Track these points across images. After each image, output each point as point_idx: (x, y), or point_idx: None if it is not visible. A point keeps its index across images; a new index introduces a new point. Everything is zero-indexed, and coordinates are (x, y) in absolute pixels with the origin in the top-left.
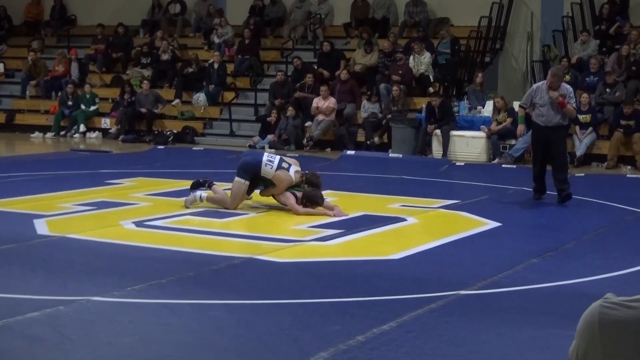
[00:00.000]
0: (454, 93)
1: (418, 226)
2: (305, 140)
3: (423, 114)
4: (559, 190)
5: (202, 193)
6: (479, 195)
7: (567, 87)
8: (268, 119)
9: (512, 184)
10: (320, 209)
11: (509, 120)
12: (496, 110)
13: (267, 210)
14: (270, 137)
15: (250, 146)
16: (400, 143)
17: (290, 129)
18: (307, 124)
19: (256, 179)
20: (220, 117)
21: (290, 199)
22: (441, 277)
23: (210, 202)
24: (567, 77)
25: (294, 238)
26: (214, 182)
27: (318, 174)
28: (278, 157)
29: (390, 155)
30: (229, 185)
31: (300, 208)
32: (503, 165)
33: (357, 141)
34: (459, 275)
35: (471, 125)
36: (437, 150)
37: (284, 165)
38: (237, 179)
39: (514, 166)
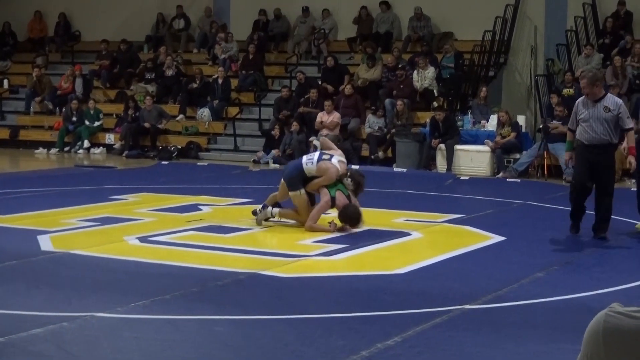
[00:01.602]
0: (458, 107)
1: (423, 241)
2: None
3: (427, 128)
4: (599, 224)
5: (274, 209)
6: (484, 210)
7: (615, 100)
8: (272, 132)
9: (517, 198)
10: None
11: (513, 134)
12: (500, 124)
13: (271, 226)
14: (274, 152)
15: (254, 161)
16: (404, 157)
17: (295, 144)
18: (311, 138)
19: (306, 183)
20: (224, 132)
21: (323, 198)
22: (446, 292)
23: (284, 217)
24: (571, 91)
25: (298, 253)
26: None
27: (363, 174)
28: (317, 152)
29: (394, 169)
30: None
31: (311, 221)
32: (507, 180)
33: (362, 155)
34: (463, 290)
35: (475, 139)
36: (441, 164)
37: (325, 157)
38: (292, 193)
39: (519, 180)
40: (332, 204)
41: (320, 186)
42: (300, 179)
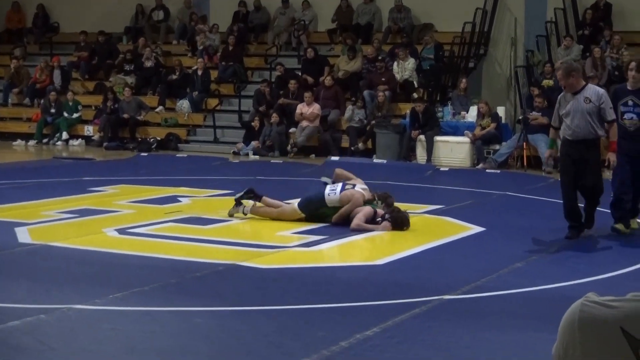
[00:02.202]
0: (438, 98)
1: (402, 232)
2: (289, 146)
3: (407, 119)
4: (586, 222)
5: (247, 208)
6: (463, 200)
7: (596, 91)
8: (252, 124)
9: (496, 188)
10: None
11: (492, 125)
12: (480, 115)
13: (250, 217)
14: (254, 143)
15: (234, 153)
16: (384, 149)
17: (274, 136)
18: (291, 130)
19: (318, 214)
20: (204, 124)
21: (365, 211)
22: (425, 282)
23: (256, 214)
24: (551, 82)
25: (278, 244)
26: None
27: (390, 193)
28: (340, 183)
29: (374, 160)
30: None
31: (360, 222)
32: (487, 170)
33: (342, 147)
34: (442, 280)
35: (455, 130)
36: (421, 155)
37: (348, 187)
38: (295, 206)
39: (498, 171)
40: (374, 215)
41: (350, 210)
42: (314, 209)
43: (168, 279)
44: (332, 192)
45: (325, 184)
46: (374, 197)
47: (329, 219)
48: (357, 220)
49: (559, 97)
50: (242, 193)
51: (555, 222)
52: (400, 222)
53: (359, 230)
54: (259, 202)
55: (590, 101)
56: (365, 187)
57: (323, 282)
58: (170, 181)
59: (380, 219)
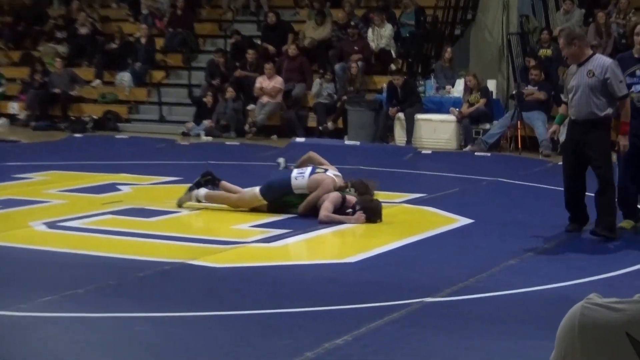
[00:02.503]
0: (420, 71)
1: (378, 224)
2: (247, 126)
3: (384, 94)
4: (597, 218)
5: (201, 191)
6: (448, 188)
7: (602, 62)
8: (204, 100)
9: (487, 174)
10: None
11: (482, 101)
12: (468, 90)
13: (202, 208)
14: (206, 122)
15: (183, 133)
16: (357, 128)
17: (230, 113)
18: (250, 107)
19: (282, 202)
20: (148, 100)
21: (331, 197)
22: (404, 283)
23: (212, 201)
24: (549, 52)
25: (233, 239)
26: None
27: (368, 180)
28: (310, 167)
29: (346, 142)
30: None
31: (327, 212)
32: (476, 153)
33: (308, 127)
34: (424, 280)
35: (439, 107)
36: (400, 136)
37: (319, 170)
38: (256, 192)
39: (489, 154)
40: (343, 202)
41: (317, 197)
42: (278, 194)
43: (105, 280)
44: (300, 175)
45: (287, 167)
46: (347, 185)
47: (295, 209)
48: (324, 210)
49: (569, 68)
50: (198, 178)
51: (554, 213)
52: (373, 213)
53: (328, 222)
54: (217, 187)
55: (593, 74)
56: (339, 174)
57: (286, 283)
58: (108, 167)
59: (351, 210)
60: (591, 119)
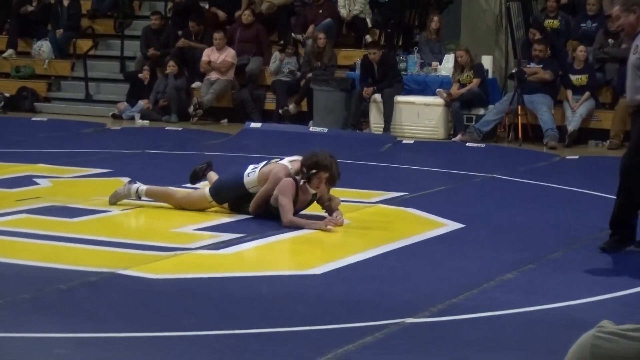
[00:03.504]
0: (400, 43)
1: (348, 228)
2: (192, 107)
3: (357, 72)
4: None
5: (141, 186)
6: (434, 185)
7: None
8: (139, 76)
9: (480, 169)
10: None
11: (475, 81)
12: (458, 67)
13: (136, 207)
14: (142, 103)
15: (113, 115)
16: (324, 112)
17: (171, 92)
18: (195, 85)
19: (241, 207)
20: (71, 75)
21: (281, 187)
22: (381, 300)
23: (152, 197)
24: (556, 23)
25: (174, 245)
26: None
27: (329, 155)
28: (267, 160)
29: (311, 129)
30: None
31: (288, 214)
32: (467, 144)
33: (265, 109)
34: (404, 297)
35: (424, 88)
36: (376, 122)
37: (273, 160)
38: (205, 193)
39: (482, 145)
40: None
41: (266, 192)
42: (231, 195)
43: (19, 293)
44: (253, 171)
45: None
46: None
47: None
48: (284, 211)
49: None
50: (197, 167)
51: (560, 217)
52: (321, 167)
53: (295, 227)
54: (204, 178)
55: (637, 50)
56: (297, 157)
57: (238, 299)
58: (23, 155)
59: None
60: (635, 104)
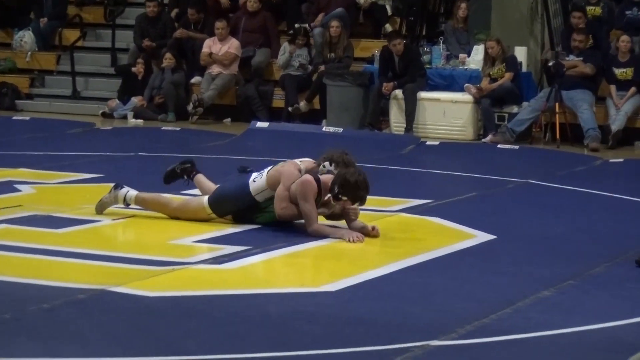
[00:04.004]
0: (424, 33)
1: (367, 240)
2: (191, 105)
3: (375, 65)
4: None
5: (130, 191)
6: (462, 192)
7: None
8: (133, 70)
9: (513, 174)
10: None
11: (507, 75)
12: (489, 60)
13: (129, 216)
14: (135, 100)
15: (104, 114)
16: (339, 110)
17: (168, 88)
18: (195, 79)
19: (244, 213)
20: (56, 69)
21: (302, 188)
22: (402, 320)
23: (144, 204)
24: (597, 11)
25: (171, 259)
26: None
27: (347, 152)
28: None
29: (324, 129)
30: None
31: (313, 222)
32: (499, 146)
33: (273, 107)
34: (429, 317)
35: (450, 83)
36: (397, 121)
37: (279, 164)
38: (204, 202)
39: (516, 147)
40: (319, 187)
41: (285, 193)
42: (236, 207)
43: None
44: (259, 176)
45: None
46: (319, 163)
47: (262, 218)
48: (309, 218)
49: None
50: (173, 165)
51: (602, 227)
52: (355, 191)
53: (320, 236)
54: (191, 181)
55: None
56: (309, 159)
57: (243, 320)
58: (3, 158)
59: (329, 195)
60: None
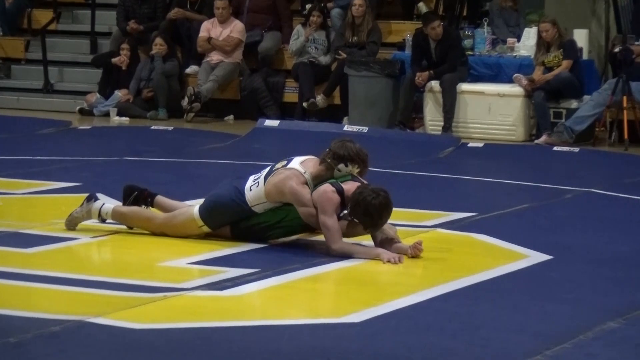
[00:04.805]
0: (465, 14)
1: (412, 259)
2: (186, 100)
3: (407, 51)
4: None
5: (106, 204)
6: (511, 204)
7: None
8: (114, 60)
9: (572, 182)
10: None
11: (565, 63)
12: (543, 45)
13: (112, 233)
14: (119, 94)
15: (81, 110)
16: (363, 106)
17: (159, 80)
18: (191, 69)
19: (245, 230)
20: (25, 58)
21: (324, 204)
22: (439, 357)
23: (124, 220)
24: None
25: (162, 284)
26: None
27: (352, 140)
28: (270, 165)
29: (345, 128)
30: None
31: (338, 241)
32: (555, 148)
33: (284, 102)
34: (472, 353)
35: (497, 73)
36: (433, 119)
37: (278, 165)
38: (194, 213)
39: (576, 149)
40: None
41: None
42: (230, 218)
43: None
44: (255, 183)
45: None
46: (331, 165)
47: (274, 235)
48: (332, 235)
49: None
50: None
51: None
52: (368, 215)
53: (346, 256)
54: (150, 205)
55: None
56: (312, 157)
57: (248, 356)
58: None
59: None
60: None
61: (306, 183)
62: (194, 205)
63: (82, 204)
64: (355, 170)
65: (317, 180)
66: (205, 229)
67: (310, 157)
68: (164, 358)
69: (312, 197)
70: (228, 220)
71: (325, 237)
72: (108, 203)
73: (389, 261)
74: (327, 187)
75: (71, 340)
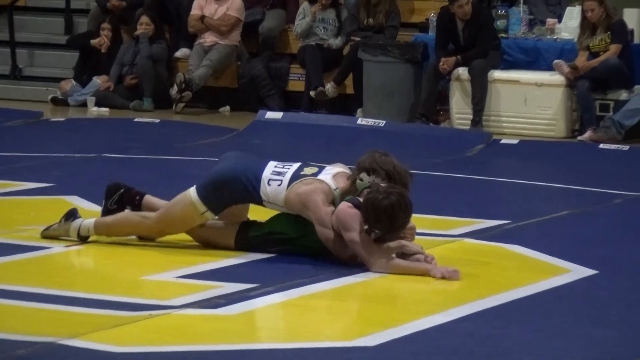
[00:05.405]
0: None
1: (419, 277)
2: (175, 88)
3: (431, 34)
4: None
5: (85, 221)
6: (551, 210)
7: None
8: (93, 42)
9: (621, 184)
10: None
11: (613, 48)
12: (588, 27)
13: (92, 242)
14: (98, 81)
15: (54, 100)
16: (380, 96)
17: (144, 64)
18: (181, 53)
19: (253, 237)
20: None
21: (349, 224)
22: None
23: (111, 233)
24: None
25: (147, 301)
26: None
27: (387, 153)
28: (298, 163)
29: (359, 121)
30: None
31: (374, 253)
32: (602, 145)
33: (289, 91)
34: None
35: (534, 59)
36: (460, 111)
37: (307, 171)
38: (191, 197)
39: (625, 147)
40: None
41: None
42: (235, 198)
43: None
44: (278, 179)
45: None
46: (354, 179)
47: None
48: (370, 253)
49: None
50: (104, 201)
51: None
52: (377, 215)
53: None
54: (137, 208)
55: None
56: (344, 170)
57: None
58: None
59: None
60: None
61: (333, 202)
62: (187, 190)
63: (61, 220)
64: (381, 183)
65: (342, 197)
66: (209, 215)
67: (341, 171)
68: None
69: (333, 221)
70: (234, 200)
71: (360, 256)
72: (88, 220)
73: (443, 277)
74: (341, 205)
75: None
